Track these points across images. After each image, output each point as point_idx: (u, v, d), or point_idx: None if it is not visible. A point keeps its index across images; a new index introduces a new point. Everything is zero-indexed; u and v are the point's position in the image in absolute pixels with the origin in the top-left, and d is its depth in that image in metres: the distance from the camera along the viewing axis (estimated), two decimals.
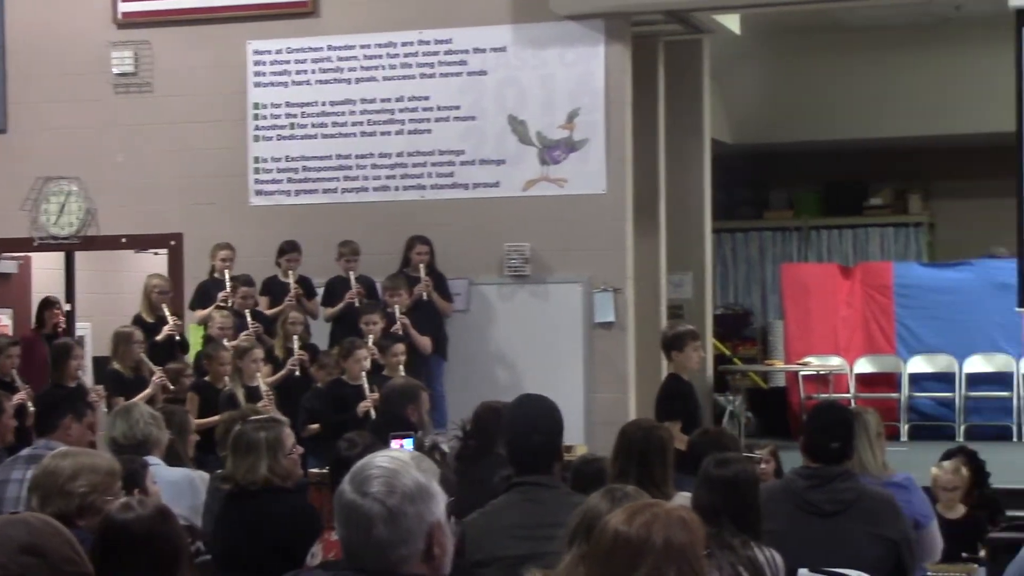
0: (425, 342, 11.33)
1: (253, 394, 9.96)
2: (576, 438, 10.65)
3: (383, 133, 12.39)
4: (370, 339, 10.55)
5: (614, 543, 3.04)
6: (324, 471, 7.53)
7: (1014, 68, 11.70)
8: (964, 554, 8.32)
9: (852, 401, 14.45)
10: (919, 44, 15.93)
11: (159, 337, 10.91)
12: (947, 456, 9.53)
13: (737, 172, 17.40)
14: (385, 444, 6.04)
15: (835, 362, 15.36)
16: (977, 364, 14.96)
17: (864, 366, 15.42)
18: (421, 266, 11.62)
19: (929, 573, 7.00)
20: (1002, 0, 11.65)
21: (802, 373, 15.21)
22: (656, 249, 12.71)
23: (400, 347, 10.44)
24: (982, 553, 8.46)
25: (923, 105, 16.12)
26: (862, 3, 13.80)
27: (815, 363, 15.27)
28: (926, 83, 16.04)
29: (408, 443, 6.23)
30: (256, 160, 12.69)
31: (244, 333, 10.89)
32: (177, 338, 11.14)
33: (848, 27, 15.88)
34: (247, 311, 11.18)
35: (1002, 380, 14.84)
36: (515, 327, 12.09)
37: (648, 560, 3.01)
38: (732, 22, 13.71)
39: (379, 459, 2.95)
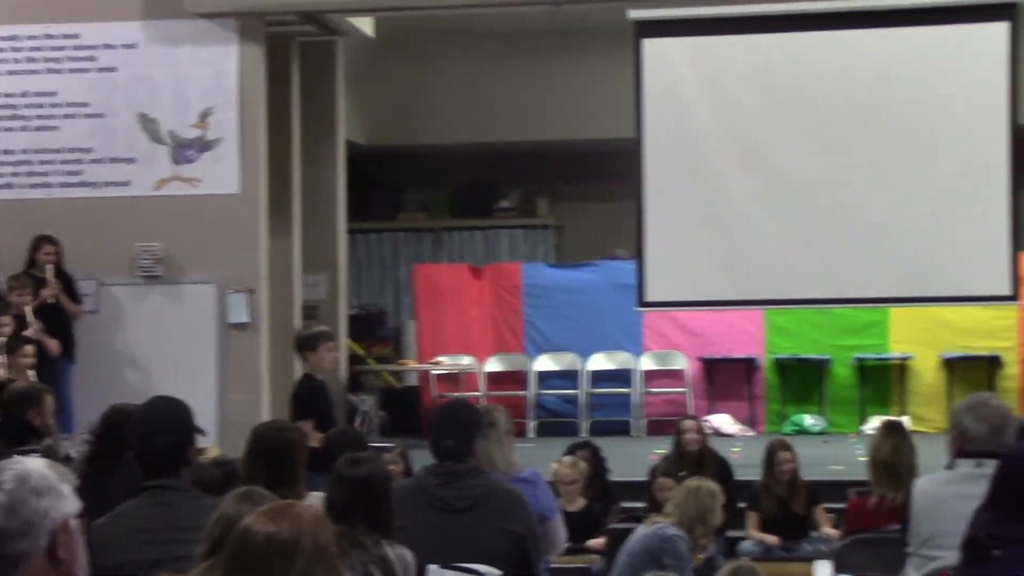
0: (53, 344, 11.02)
1: None
2: (209, 440, 10.54)
3: (7, 129, 11.97)
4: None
5: (267, 547, 3.04)
6: None
7: (634, 76, 12.23)
8: (586, 543, 8.67)
9: (482, 399, 14.78)
10: (547, 52, 16.41)
11: None
12: (570, 451, 9.89)
13: (371, 173, 17.53)
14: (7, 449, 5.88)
15: (466, 361, 15.66)
16: (600, 362, 15.51)
17: (494, 365, 15.77)
18: (48, 267, 11.29)
19: (554, 564, 7.26)
20: (622, 12, 12.15)
21: (434, 372, 15.46)
22: (290, 250, 12.70)
23: (30, 349, 10.12)
24: (601, 542, 8.83)
25: (551, 110, 16.61)
26: (486, 10, 14.10)
27: (447, 362, 15.52)
28: (554, 89, 16.53)
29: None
30: None
31: None
32: None
33: (480, 33, 16.22)
34: None
35: (622, 377, 15.45)
36: (147, 328, 11.88)
37: (300, 562, 3.03)
38: (366, 25, 13.83)
39: (14, 460, 2.92)
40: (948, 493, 5.42)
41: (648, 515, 7.97)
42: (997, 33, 11.66)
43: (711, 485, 7.59)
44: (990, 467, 5.13)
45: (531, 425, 15.33)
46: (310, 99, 13.15)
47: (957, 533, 4.96)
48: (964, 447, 5.60)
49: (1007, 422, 5.54)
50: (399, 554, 4.92)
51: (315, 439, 7.49)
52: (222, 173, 11.83)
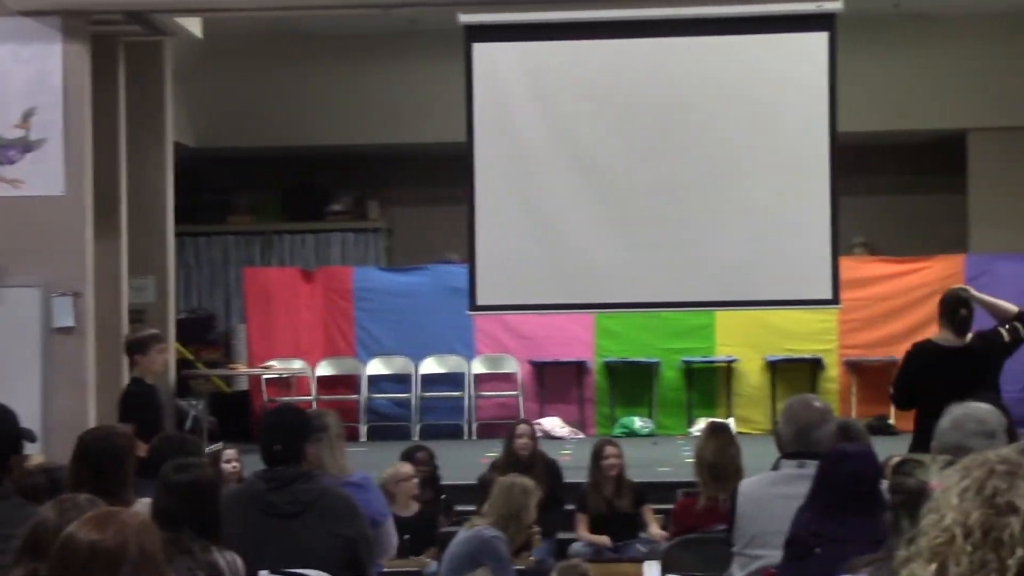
0: None
1: None
2: (34, 446, 10.32)
3: None
4: None
5: (91, 555, 3.00)
6: None
7: (464, 80, 12.27)
8: (423, 550, 8.67)
9: (314, 403, 14.71)
10: (378, 54, 16.40)
11: None
12: (405, 456, 9.90)
13: (200, 176, 17.35)
14: None
15: (297, 365, 15.58)
16: (431, 365, 15.54)
17: (325, 369, 15.71)
18: None
19: (385, 569, 7.27)
20: (453, 16, 12.18)
21: (265, 377, 15.35)
22: (117, 253, 12.49)
23: None
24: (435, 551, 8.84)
25: (382, 113, 16.60)
26: (316, 13, 14.02)
27: (278, 366, 15.43)
28: (385, 92, 16.53)
29: None
30: None
31: None
32: None
33: (311, 35, 16.15)
34: None
35: (454, 381, 15.50)
36: None
37: (125, 569, 3.00)
38: (194, 25, 13.66)
39: None
40: (772, 493, 5.55)
41: (467, 518, 8.03)
42: (818, 43, 11.94)
43: (524, 481, 7.67)
44: (812, 467, 5.27)
45: (362, 429, 15.30)
46: (137, 100, 12.96)
47: (781, 532, 5.09)
48: (782, 448, 5.75)
49: (817, 423, 5.67)
50: (229, 560, 4.90)
51: (140, 446, 7.40)
52: (46, 175, 11.58)
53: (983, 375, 8.05)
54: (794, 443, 5.65)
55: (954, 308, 8.23)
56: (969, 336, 8.24)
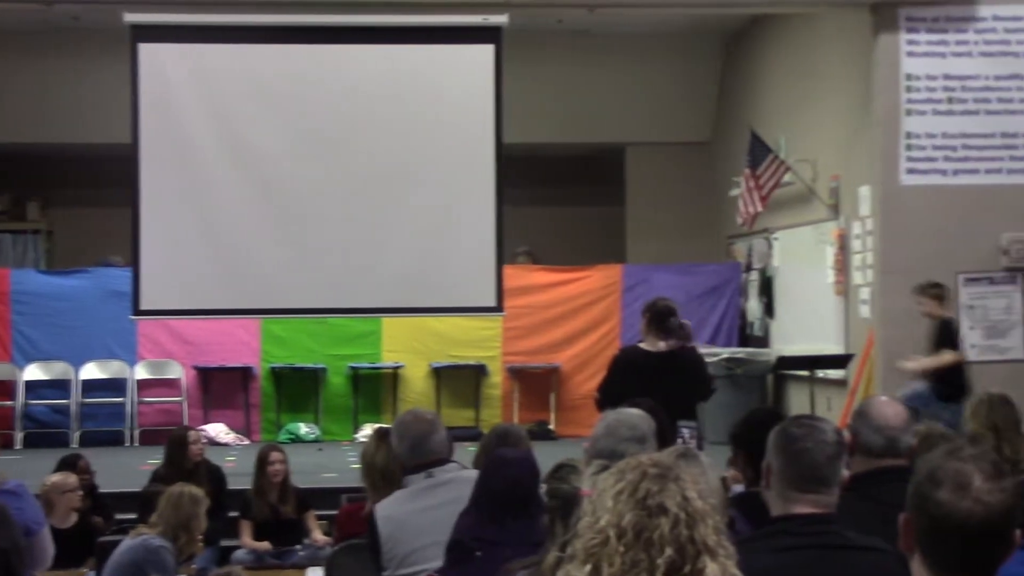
0: None
1: None
2: None
3: None
4: None
5: None
6: None
7: (130, 81, 12.03)
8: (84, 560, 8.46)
9: None
10: (39, 51, 15.94)
11: None
12: (61, 465, 9.64)
13: None
14: None
15: None
16: (92, 371, 15.16)
17: None
18: None
19: None
20: (119, 14, 11.91)
21: None
22: None
23: None
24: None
25: (43, 112, 16.16)
26: None
27: None
28: (47, 90, 16.09)
29: None
30: None
31: None
32: None
33: None
34: None
35: (116, 386, 15.15)
36: None
37: None
38: None
39: None
40: (410, 510, 5.58)
41: (135, 526, 7.90)
42: (484, 55, 12.17)
43: (194, 491, 7.60)
44: (442, 474, 5.42)
45: (18, 436, 14.82)
46: None
47: (434, 544, 5.16)
48: (403, 464, 5.82)
49: (430, 432, 5.78)
50: None
51: None
52: None
53: (688, 379, 8.59)
54: (413, 456, 5.72)
55: (663, 317, 8.64)
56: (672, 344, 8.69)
